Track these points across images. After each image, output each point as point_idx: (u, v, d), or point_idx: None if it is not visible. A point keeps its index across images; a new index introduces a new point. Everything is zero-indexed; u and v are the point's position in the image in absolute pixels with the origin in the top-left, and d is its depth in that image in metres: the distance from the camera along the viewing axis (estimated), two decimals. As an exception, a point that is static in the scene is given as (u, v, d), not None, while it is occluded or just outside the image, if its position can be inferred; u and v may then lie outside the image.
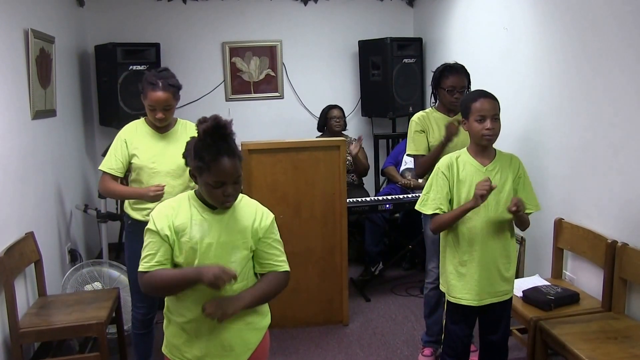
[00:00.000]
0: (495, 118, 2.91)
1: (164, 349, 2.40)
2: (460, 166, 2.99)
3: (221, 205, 2.21)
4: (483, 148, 2.98)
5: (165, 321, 2.38)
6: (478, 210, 2.91)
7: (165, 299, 2.36)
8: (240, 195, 2.31)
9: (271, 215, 2.38)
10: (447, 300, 3.12)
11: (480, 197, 2.77)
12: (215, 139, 2.10)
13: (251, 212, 2.33)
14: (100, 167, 3.48)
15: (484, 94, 2.96)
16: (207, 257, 2.21)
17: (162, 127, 3.43)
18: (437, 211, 2.99)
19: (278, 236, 2.40)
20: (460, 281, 3.02)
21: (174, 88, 3.32)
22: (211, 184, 2.14)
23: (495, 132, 2.92)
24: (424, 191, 3.10)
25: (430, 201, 3.03)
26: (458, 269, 3.02)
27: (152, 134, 3.44)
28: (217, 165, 2.10)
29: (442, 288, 3.17)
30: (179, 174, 3.40)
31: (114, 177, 3.44)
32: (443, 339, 3.21)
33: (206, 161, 2.10)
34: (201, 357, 2.30)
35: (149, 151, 3.41)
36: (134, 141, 3.42)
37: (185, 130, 3.49)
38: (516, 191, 3.00)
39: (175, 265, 2.24)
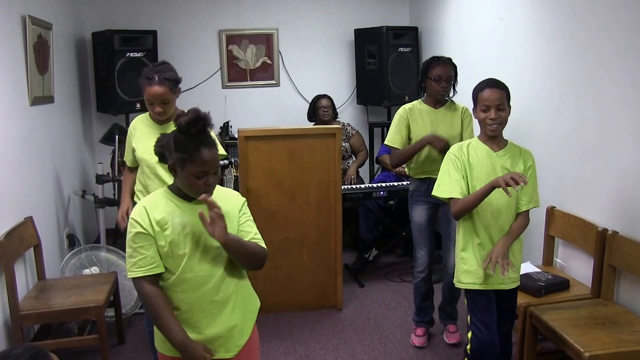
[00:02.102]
0: (500, 108, 2.92)
1: (156, 345, 2.39)
2: (471, 151, 3.01)
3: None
4: (492, 137, 3.00)
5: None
6: (490, 196, 2.91)
7: None
8: None
9: (244, 198, 2.45)
10: (468, 290, 3.06)
11: (506, 183, 2.74)
12: (198, 131, 2.15)
13: (226, 197, 2.38)
14: (123, 158, 3.74)
15: (490, 84, 2.97)
16: (192, 244, 2.24)
17: (164, 119, 3.45)
18: (454, 195, 2.97)
19: (252, 218, 2.44)
20: (471, 264, 3.01)
21: (171, 82, 3.30)
22: (195, 175, 2.17)
23: (499, 122, 2.93)
24: (439, 177, 3.09)
25: (445, 185, 3.02)
26: (476, 255, 3.00)
27: (152, 126, 3.48)
28: (200, 156, 2.15)
29: (462, 281, 3.08)
30: None
31: (134, 168, 3.63)
32: (470, 338, 3.09)
33: (190, 152, 2.15)
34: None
35: (148, 143, 3.41)
36: (137, 134, 3.50)
37: None
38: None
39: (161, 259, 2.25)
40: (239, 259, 2.30)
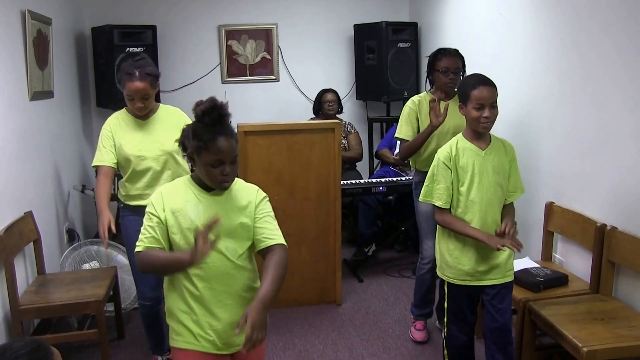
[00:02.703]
0: (493, 105, 2.90)
1: (171, 342, 2.41)
2: (460, 153, 2.99)
3: (219, 185, 2.26)
4: (479, 133, 2.99)
5: (167, 312, 2.41)
6: (478, 190, 2.95)
7: (166, 297, 2.40)
8: (236, 178, 2.36)
9: (264, 194, 2.44)
10: (448, 283, 3.12)
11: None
12: (213, 119, 2.17)
13: (246, 192, 2.38)
14: (92, 164, 3.50)
15: (483, 81, 2.92)
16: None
17: (144, 114, 3.44)
18: (444, 205, 3.01)
19: (273, 214, 2.42)
20: (460, 262, 3.03)
21: (151, 77, 3.29)
22: (210, 164, 2.19)
23: (492, 120, 2.92)
24: (426, 182, 3.10)
25: (435, 192, 3.04)
26: (455, 252, 3.03)
27: (134, 122, 3.45)
28: (215, 144, 2.17)
29: (440, 273, 3.16)
30: (164, 158, 3.43)
31: (109, 170, 3.42)
32: (446, 332, 3.22)
33: (205, 140, 2.17)
34: (214, 337, 2.35)
35: (133, 139, 3.42)
36: (118, 131, 3.43)
37: (168, 114, 3.51)
38: (508, 174, 3.04)
39: (171, 247, 2.30)
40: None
